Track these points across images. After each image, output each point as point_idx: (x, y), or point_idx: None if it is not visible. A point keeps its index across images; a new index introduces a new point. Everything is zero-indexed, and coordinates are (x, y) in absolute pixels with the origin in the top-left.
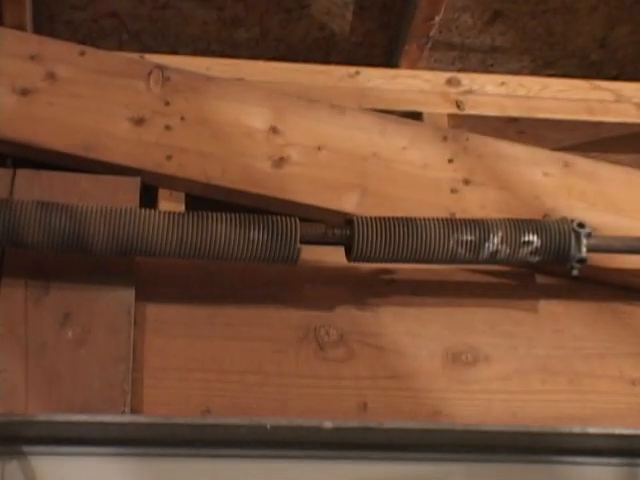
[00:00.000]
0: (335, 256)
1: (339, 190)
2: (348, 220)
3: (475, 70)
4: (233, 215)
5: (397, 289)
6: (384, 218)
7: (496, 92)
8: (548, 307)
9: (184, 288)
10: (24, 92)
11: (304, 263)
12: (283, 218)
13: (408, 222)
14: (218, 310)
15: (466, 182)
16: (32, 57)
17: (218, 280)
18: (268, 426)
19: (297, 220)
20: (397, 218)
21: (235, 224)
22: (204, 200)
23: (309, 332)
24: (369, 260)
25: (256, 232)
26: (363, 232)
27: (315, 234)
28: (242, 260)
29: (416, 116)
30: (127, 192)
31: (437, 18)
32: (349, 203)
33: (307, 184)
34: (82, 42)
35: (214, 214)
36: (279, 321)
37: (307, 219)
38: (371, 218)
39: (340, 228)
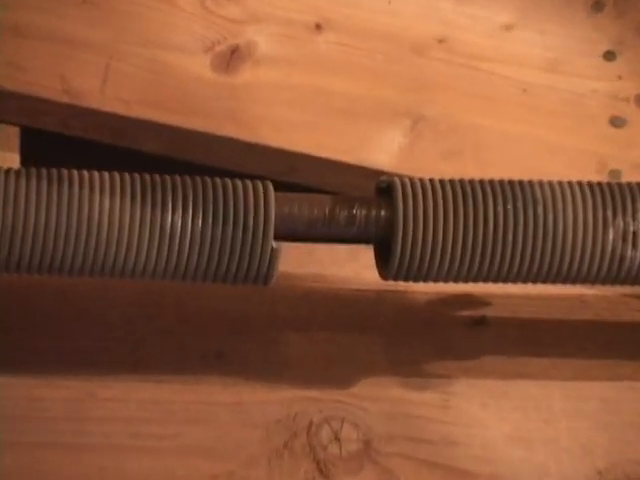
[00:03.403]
0: (352, 267)
1: (364, 121)
2: (383, 187)
3: None
4: (133, 177)
5: (491, 340)
6: (462, 183)
7: None
8: None
9: (32, 336)
10: None
11: (287, 282)
12: (241, 183)
13: (516, 192)
14: (99, 386)
15: None
16: None
17: (104, 319)
18: None
19: (270, 187)
20: (491, 183)
21: (138, 198)
22: (65, 143)
23: (297, 433)
24: (427, 275)
25: (183, 215)
26: (416, 214)
27: (310, 219)
28: (155, 275)
29: None
30: None
31: None
32: (385, 149)
33: (292, 108)
34: None
35: (91, 175)
36: (233, 410)
37: (294, 185)
38: (433, 183)
39: (365, 205)
